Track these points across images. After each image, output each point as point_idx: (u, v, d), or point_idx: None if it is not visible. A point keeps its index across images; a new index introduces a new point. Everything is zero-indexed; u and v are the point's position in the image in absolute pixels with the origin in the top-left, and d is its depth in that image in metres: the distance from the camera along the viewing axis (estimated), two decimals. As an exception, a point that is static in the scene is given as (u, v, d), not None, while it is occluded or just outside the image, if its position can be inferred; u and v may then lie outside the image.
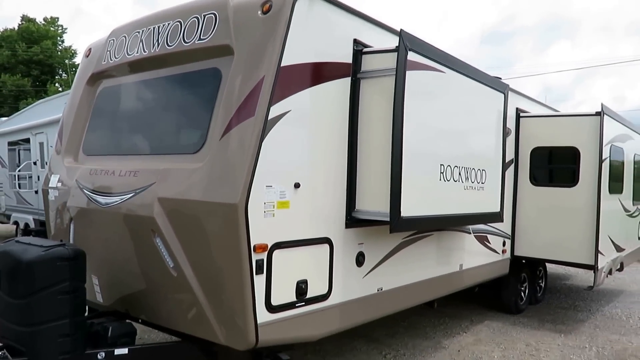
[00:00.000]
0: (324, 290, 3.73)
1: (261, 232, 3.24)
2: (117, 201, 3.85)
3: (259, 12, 3.43)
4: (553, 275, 9.93)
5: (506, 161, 6.36)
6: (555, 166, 6.71)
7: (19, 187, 11.15)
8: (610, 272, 6.95)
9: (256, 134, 3.25)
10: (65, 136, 4.82)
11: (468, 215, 4.86)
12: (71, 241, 4.27)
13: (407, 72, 3.77)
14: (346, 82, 3.88)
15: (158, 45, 4.02)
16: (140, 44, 4.18)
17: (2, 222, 12.42)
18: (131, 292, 3.95)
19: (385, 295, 4.35)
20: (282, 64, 3.34)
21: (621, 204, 7.25)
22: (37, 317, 3.22)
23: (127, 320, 3.92)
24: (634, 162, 7.91)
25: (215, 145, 3.42)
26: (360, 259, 4.06)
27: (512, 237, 6.62)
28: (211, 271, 3.34)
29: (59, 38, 36.33)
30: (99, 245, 4.10)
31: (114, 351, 3.48)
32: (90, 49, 4.88)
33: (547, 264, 7.84)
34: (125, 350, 3.52)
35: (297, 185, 3.48)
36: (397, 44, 3.70)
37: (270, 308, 3.32)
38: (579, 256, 6.31)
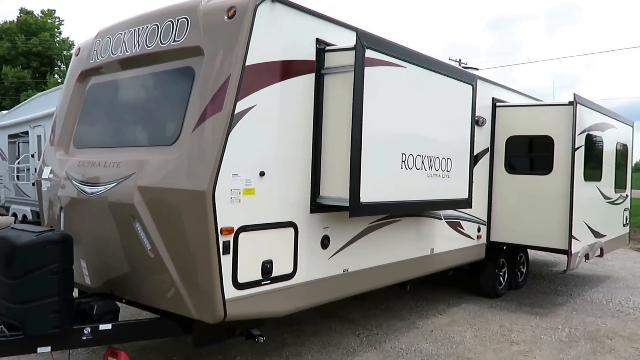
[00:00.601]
0: (289, 270, 4.21)
1: (228, 216, 3.71)
2: (101, 190, 4.35)
3: (225, 17, 3.88)
4: (540, 262, 10.36)
5: (481, 150, 6.82)
6: (530, 155, 7.11)
7: (18, 180, 11.73)
8: (587, 258, 7.35)
9: (223, 127, 3.71)
10: (58, 130, 5.32)
11: (432, 202, 5.30)
12: (62, 228, 4.78)
13: (366, 68, 4.21)
14: (310, 77, 4.33)
15: (139, 46, 4.49)
16: (123, 44, 4.65)
17: (2, 214, 13.04)
18: (115, 274, 4.45)
19: (351, 275, 4.81)
20: (246, 64, 3.80)
21: (600, 191, 7.63)
22: (30, 295, 3.70)
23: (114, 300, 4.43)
24: (616, 150, 8.27)
25: (188, 137, 3.89)
26: (325, 242, 4.53)
27: (488, 224, 7.05)
28: (183, 252, 3.82)
29: (56, 30, 37.34)
30: (87, 231, 4.61)
31: (98, 326, 3.96)
32: (79, 48, 5.36)
33: (528, 250, 8.26)
34: (109, 326, 4.01)
35: (262, 174, 3.95)
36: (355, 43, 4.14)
37: (237, 285, 3.80)
38: (553, 241, 6.72)
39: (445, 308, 6.94)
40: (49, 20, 36.85)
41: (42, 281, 3.73)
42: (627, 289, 8.41)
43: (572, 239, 6.58)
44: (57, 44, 36.77)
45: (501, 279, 7.54)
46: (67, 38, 38.22)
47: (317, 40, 4.34)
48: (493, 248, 7.27)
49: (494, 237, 7.08)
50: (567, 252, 6.61)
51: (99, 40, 4.98)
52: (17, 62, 34.31)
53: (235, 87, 3.75)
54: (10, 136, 12.73)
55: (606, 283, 8.84)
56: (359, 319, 6.33)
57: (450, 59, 32.66)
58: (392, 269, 5.37)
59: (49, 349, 3.83)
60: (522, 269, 8.12)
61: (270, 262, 4.03)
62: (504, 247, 7.50)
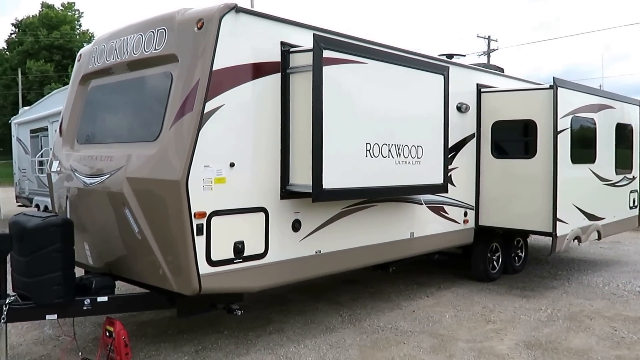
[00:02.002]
0: (261, 250, 5.08)
1: (200, 202, 4.61)
2: (97, 181, 5.34)
3: (195, 28, 4.76)
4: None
5: (467, 135, 7.50)
6: (515, 139, 7.70)
7: (40, 172, 13.11)
8: (579, 240, 7.89)
9: (194, 125, 4.61)
10: (64, 127, 6.37)
11: (402, 187, 6.05)
12: (67, 215, 5.81)
13: (325, 67, 5.01)
14: (277, 77, 5.17)
15: (127, 53, 5.44)
16: (115, 52, 5.61)
17: (26, 206, 14.51)
18: (112, 255, 5.45)
19: (324, 257, 5.65)
20: (214, 69, 4.67)
21: (594, 173, 8.14)
22: (38, 270, 4.72)
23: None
24: (616, 131, 8.71)
25: (167, 134, 4.82)
26: (296, 225, 5.37)
27: (477, 208, 7.71)
28: (164, 233, 4.75)
29: (76, 22, 39.80)
30: (88, 218, 5.63)
31: (96, 298, 4.97)
32: (81, 55, 6.38)
33: (531, 235, 8.83)
34: (105, 298, 5.01)
35: (232, 165, 4.83)
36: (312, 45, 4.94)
37: (211, 262, 4.70)
38: (539, 224, 7.33)
39: (435, 291, 7.65)
40: (69, 13, 39.32)
41: (47, 258, 4.74)
42: (632, 273, 8.85)
43: (558, 222, 7.16)
44: (77, 37, 39.17)
45: (494, 263, 8.17)
46: (87, 30, 40.95)
47: (282, 43, 5.17)
48: (485, 232, 7.91)
49: (483, 222, 7.73)
50: (551, 234, 7.19)
51: (96, 48, 5.97)
52: (40, 56, 36.75)
53: (204, 90, 4.63)
54: (32, 131, 14.15)
55: (612, 267, 9.31)
56: (346, 300, 7.15)
57: (478, 37, 32.77)
58: (368, 251, 6.16)
59: (55, 316, 4.85)
60: (520, 254, 8.71)
61: (242, 242, 4.91)
62: (501, 232, 8.12)
